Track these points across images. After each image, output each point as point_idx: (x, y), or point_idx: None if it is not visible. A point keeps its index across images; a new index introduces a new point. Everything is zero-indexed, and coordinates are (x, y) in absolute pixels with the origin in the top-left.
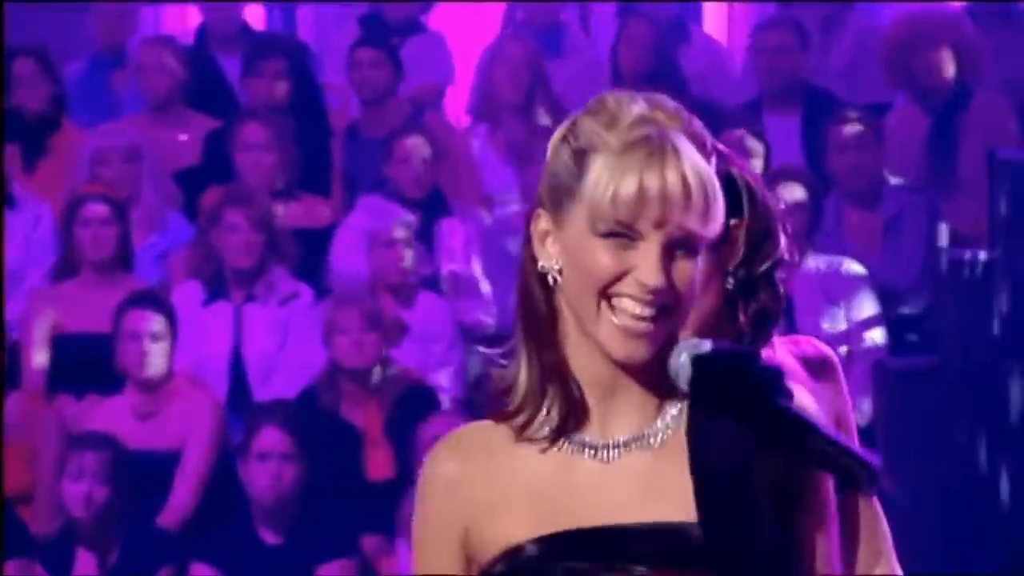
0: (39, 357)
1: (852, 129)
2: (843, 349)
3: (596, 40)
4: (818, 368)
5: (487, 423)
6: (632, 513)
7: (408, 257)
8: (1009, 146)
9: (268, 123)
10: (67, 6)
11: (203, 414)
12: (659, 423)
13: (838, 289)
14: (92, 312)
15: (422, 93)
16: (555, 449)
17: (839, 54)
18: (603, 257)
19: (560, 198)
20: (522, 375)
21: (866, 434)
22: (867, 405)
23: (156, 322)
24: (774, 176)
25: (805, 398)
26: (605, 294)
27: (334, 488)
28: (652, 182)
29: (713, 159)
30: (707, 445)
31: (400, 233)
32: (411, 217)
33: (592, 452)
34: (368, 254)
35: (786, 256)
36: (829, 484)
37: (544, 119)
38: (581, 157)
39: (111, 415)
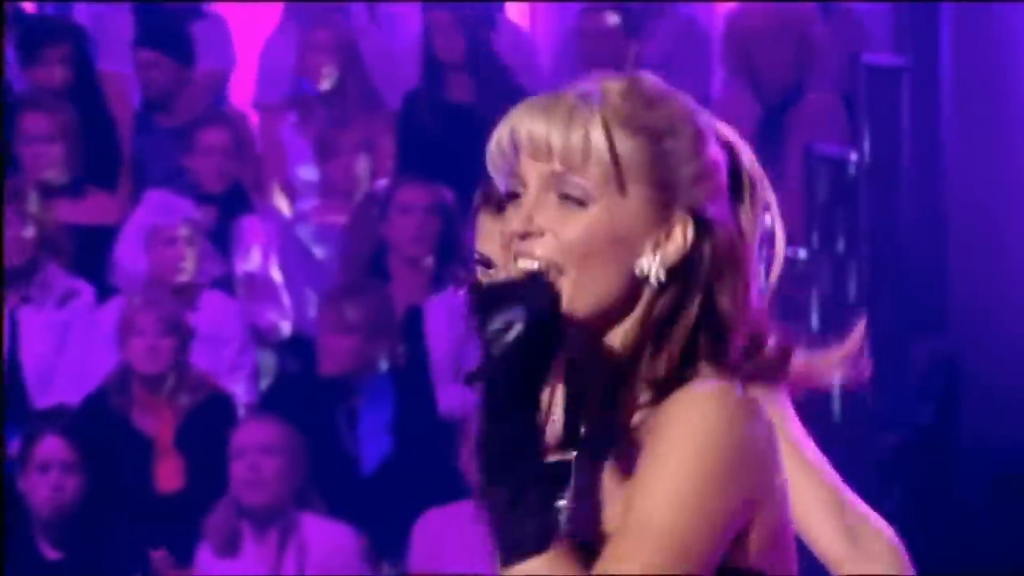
0: None
1: None
2: None
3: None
4: None
5: None
6: None
7: (191, 256)
8: (834, 143)
9: (52, 112)
10: None
11: None
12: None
13: None
14: None
15: (208, 79)
16: None
17: (658, 43)
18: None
19: None
20: None
21: None
22: None
23: None
24: None
25: None
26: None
27: (121, 500)
28: (502, 139)
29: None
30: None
31: (183, 231)
32: (197, 214)
33: None
34: (147, 252)
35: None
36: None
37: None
38: None
39: None
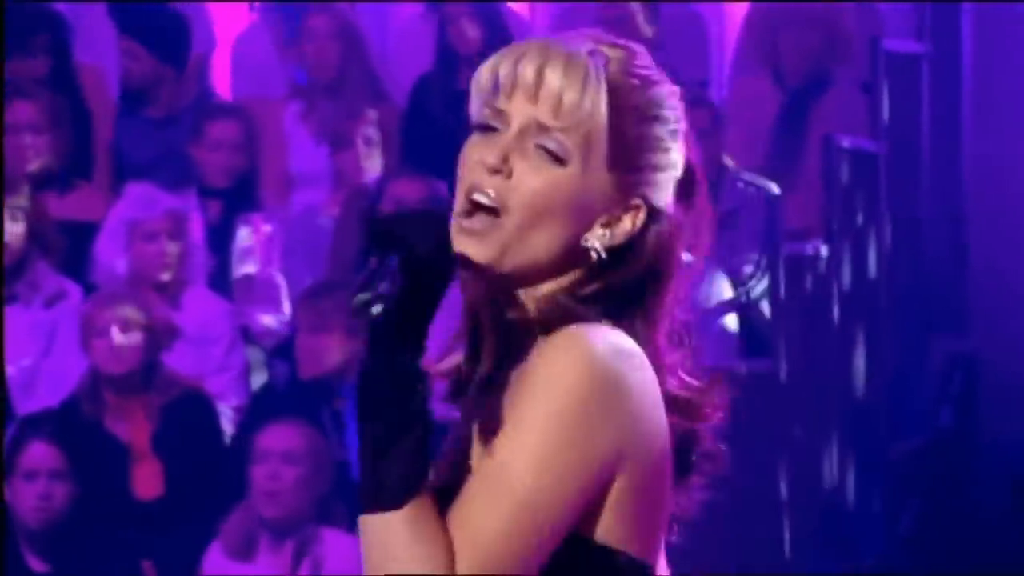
0: None
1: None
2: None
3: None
4: None
5: None
6: None
7: (173, 251)
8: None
9: (39, 101)
10: None
11: None
12: None
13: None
14: None
15: (191, 65)
16: None
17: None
18: (468, 148)
19: None
20: None
21: None
22: None
23: None
24: None
25: None
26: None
27: (101, 508)
28: (503, 68)
29: (635, 95)
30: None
31: (164, 224)
32: (179, 207)
33: None
34: (127, 248)
35: None
36: None
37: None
38: None
39: None
